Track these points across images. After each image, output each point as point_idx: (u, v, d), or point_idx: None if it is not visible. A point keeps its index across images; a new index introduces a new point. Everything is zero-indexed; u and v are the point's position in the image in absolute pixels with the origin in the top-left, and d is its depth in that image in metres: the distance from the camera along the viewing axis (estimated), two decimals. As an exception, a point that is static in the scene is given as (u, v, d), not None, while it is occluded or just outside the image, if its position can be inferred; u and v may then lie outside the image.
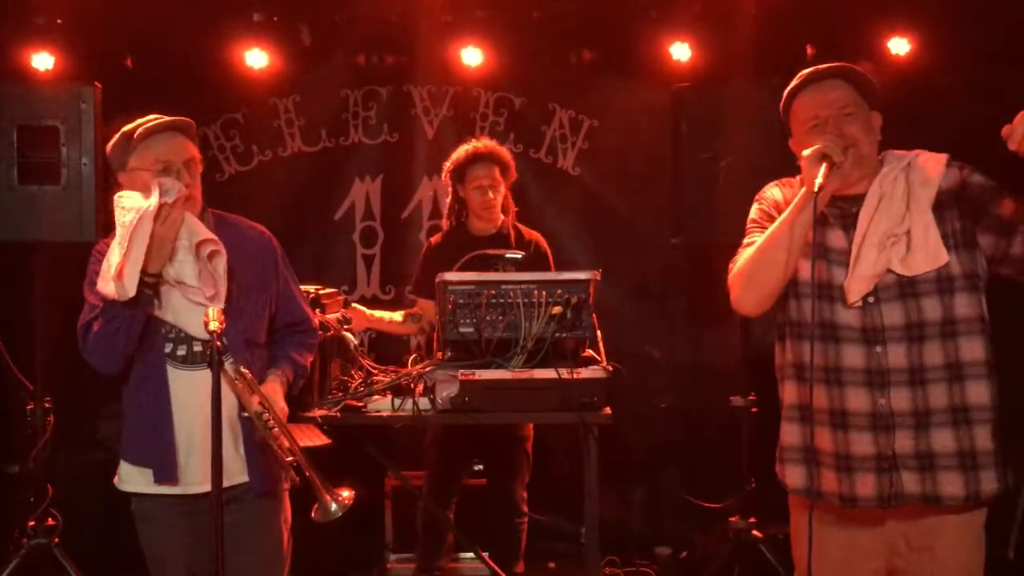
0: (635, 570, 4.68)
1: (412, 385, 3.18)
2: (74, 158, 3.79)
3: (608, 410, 3.10)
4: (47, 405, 3.95)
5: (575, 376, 3.04)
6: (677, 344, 5.24)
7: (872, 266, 2.37)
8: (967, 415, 2.35)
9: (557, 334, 3.10)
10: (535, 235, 4.15)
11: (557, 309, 3.09)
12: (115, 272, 2.56)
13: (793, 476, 2.48)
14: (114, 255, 2.57)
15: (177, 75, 4.98)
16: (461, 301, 3.12)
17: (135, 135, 2.70)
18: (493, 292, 3.12)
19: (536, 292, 3.10)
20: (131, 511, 2.78)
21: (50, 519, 3.93)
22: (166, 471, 2.66)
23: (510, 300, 3.11)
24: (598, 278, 3.16)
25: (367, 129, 5.34)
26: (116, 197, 2.65)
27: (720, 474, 4.37)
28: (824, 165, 2.32)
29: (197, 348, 2.68)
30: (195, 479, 2.65)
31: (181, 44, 4.96)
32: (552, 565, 4.93)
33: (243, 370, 2.60)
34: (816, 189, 2.28)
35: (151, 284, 2.61)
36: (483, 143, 4.13)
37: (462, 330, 3.12)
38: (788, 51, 4.77)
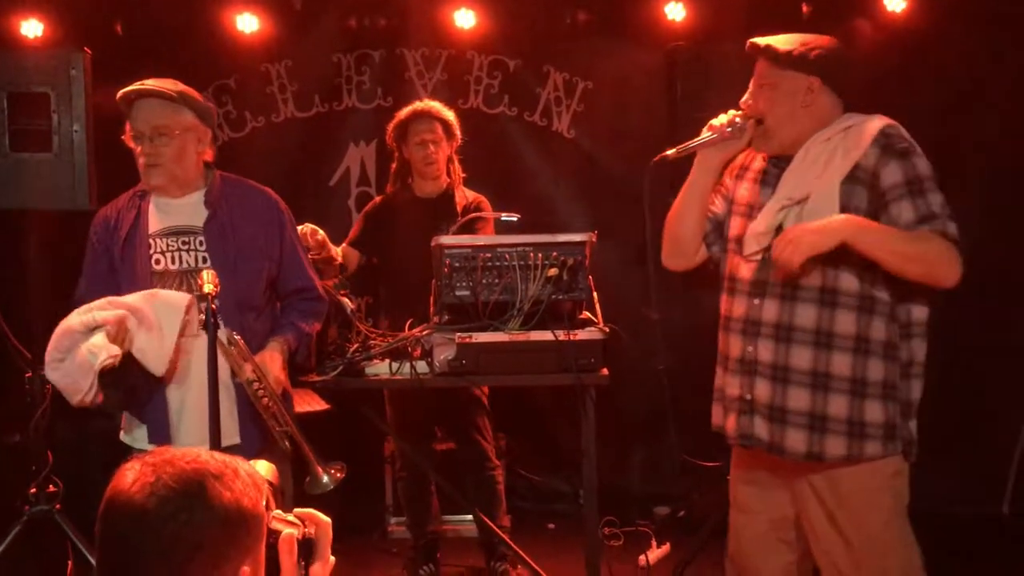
0: (634, 530, 4.72)
1: (410, 349, 3.19)
2: (65, 125, 3.76)
3: (605, 371, 3.11)
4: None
5: (572, 338, 3.05)
6: (674, 305, 5.24)
7: (764, 222, 2.47)
8: (827, 382, 2.40)
9: (554, 296, 3.11)
10: (479, 197, 4.14)
11: (553, 271, 3.09)
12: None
13: (712, 414, 2.67)
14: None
15: (167, 41, 4.93)
16: (457, 264, 3.12)
17: (119, 100, 2.72)
18: (489, 255, 3.12)
19: (532, 254, 3.10)
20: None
21: (51, 486, 3.95)
22: (159, 431, 2.68)
23: (506, 263, 3.11)
24: (594, 240, 3.16)
25: (360, 94, 5.30)
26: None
27: (717, 433, 4.39)
28: (705, 135, 2.56)
29: None
30: (188, 440, 2.66)
31: (171, 9, 4.91)
32: (551, 526, 4.97)
33: (236, 337, 2.59)
34: (669, 152, 2.58)
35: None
36: (426, 102, 4.14)
37: (458, 293, 3.13)
38: (783, 9, 4.73)
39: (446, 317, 3.17)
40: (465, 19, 5.00)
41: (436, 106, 4.11)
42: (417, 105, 4.11)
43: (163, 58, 4.97)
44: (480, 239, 3.26)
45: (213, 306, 2.34)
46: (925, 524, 4.91)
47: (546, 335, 3.06)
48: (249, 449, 2.73)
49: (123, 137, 2.78)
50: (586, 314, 3.22)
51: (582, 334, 3.08)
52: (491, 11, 5.02)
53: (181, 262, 2.75)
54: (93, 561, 3.81)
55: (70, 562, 3.91)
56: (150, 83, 2.76)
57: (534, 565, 3.72)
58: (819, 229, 2.29)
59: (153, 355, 2.60)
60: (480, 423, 4.17)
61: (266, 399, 2.66)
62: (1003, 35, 4.88)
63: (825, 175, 2.39)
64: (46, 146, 3.77)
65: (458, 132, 4.12)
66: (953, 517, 4.95)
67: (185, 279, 2.74)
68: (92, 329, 2.55)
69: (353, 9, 5.16)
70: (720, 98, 3.95)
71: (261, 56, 5.15)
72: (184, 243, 2.77)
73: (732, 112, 2.56)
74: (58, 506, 3.93)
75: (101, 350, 2.54)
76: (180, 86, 2.81)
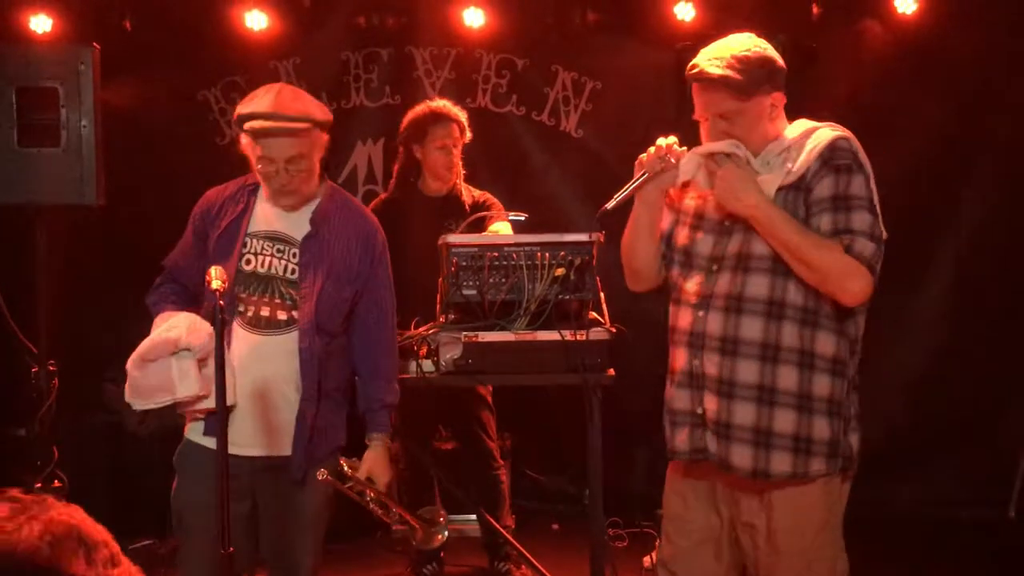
0: (638, 531, 4.71)
1: (416, 347, 3.19)
2: (74, 120, 3.76)
3: (611, 371, 3.10)
4: (51, 368, 3.95)
5: (578, 338, 3.04)
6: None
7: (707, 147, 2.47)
8: (773, 396, 2.36)
9: (560, 296, 3.10)
10: (485, 194, 4.14)
11: (560, 271, 3.08)
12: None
13: (665, 427, 2.58)
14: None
15: (176, 37, 4.94)
16: (464, 263, 3.11)
17: (243, 128, 2.64)
18: (496, 254, 3.11)
19: (539, 254, 3.10)
20: (173, 460, 2.78)
21: (56, 481, 3.95)
22: (212, 424, 2.64)
23: (513, 262, 3.10)
24: (601, 240, 3.15)
25: (368, 92, 5.30)
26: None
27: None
28: (641, 177, 2.52)
29: (264, 313, 2.67)
30: (242, 440, 2.64)
31: (180, 5, 4.93)
32: (555, 526, 4.96)
33: (346, 469, 2.70)
34: (608, 205, 2.52)
35: None
36: (440, 102, 4.13)
37: (465, 292, 3.12)
38: (793, 9, 4.71)
39: (452, 316, 3.17)
40: (474, 18, 5.00)
41: (451, 107, 4.11)
42: (432, 106, 4.10)
43: (172, 54, 4.99)
44: (487, 238, 3.26)
45: (220, 303, 2.31)
46: (930, 528, 4.93)
47: (553, 335, 3.05)
48: (299, 465, 2.70)
49: (242, 148, 2.70)
50: (592, 314, 3.21)
51: (588, 334, 3.07)
52: (500, 10, 5.02)
53: (270, 267, 2.71)
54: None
55: (74, 557, 3.92)
56: (279, 114, 2.61)
57: (538, 565, 3.71)
58: (742, 195, 2.34)
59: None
60: (485, 421, 4.17)
61: (377, 508, 2.77)
62: (1013, 37, 4.87)
63: (770, 177, 2.38)
64: (55, 141, 3.77)
65: (468, 131, 4.13)
66: (958, 521, 4.93)
67: (269, 285, 2.70)
68: (184, 349, 2.56)
69: (362, 7, 5.17)
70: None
71: (269, 53, 5.15)
72: (279, 250, 2.72)
73: (661, 141, 2.54)
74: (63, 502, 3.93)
75: (191, 383, 2.55)
76: (305, 105, 2.68)
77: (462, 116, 4.10)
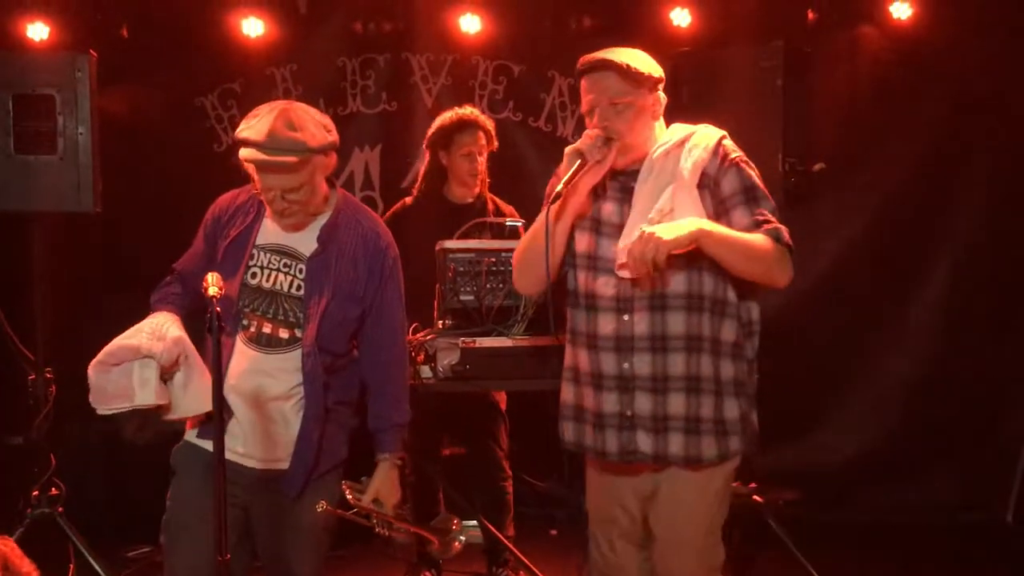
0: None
1: (413, 353, 3.19)
2: (70, 127, 3.77)
3: (608, 377, 3.10)
4: (48, 375, 3.95)
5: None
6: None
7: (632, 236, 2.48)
8: (698, 384, 2.49)
9: (557, 301, 3.10)
10: (510, 208, 4.15)
11: (557, 276, 3.09)
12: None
13: (565, 431, 2.67)
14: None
15: (173, 44, 4.94)
16: (461, 269, 3.13)
17: (239, 155, 2.59)
18: (493, 260, 3.12)
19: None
20: (170, 460, 2.75)
21: (53, 489, 3.94)
22: (207, 428, 2.62)
23: (510, 268, 3.10)
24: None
25: (365, 98, 5.30)
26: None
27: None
28: (576, 164, 2.45)
29: (266, 330, 2.64)
30: (240, 449, 2.62)
31: (177, 12, 4.92)
32: (553, 532, 4.96)
33: (348, 496, 2.70)
34: (553, 195, 2.44)
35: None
36: (468, 110, 4.13)
37: (463, 298, 3.14)
38: (789, 14, 4.72)
39: (449, 322, 3.17)
40: (470, 24, 5.00)
41: (479, 115, 4.12)
42: (460, 113, 4.09)
43: (168, 61, 4.98)
44: (484, 243, 3.26)
45: (217, 309, 2.30)
46: (928, 533, 4.93)
47: (550, 340, 3.05)
48: (296, 483, 2.67)
49: (244, 164, 2.62)
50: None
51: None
52: (496, 16, 5.03)
53: (275, 282, 2.67)
54: (96, 564, 3.82)
55: (72, 565, 3.91)
56: (272, 145, 2.52)
57: (536, 572, 3.71)
58: (674, 229, 2.35)
59: (193, 399, 2.59)
60: (496, 431, 4.12)
61: (383, 531, 2.77)
62: (1008, 41, 4.89)
63: (682, 186, 2.45)
64: (51, 148, 3.78)
65: (495, 140, 4.13)
66: (956, 526, 4.94)
67: (274, 300, 2.66)
68: (148, 356, 2.51)
69: (358, 13, 5.17)
70: (725, 103, 3.97)
71: (266, 60, 5.16)
72: (285, 265, 2.68)
73: (590, 132, 2.51)
74: (60, 509, 3.93)
75: (150, 392, 2.50)
76: (302, 132, 2.57)
77: (489, 124, 4.11)
